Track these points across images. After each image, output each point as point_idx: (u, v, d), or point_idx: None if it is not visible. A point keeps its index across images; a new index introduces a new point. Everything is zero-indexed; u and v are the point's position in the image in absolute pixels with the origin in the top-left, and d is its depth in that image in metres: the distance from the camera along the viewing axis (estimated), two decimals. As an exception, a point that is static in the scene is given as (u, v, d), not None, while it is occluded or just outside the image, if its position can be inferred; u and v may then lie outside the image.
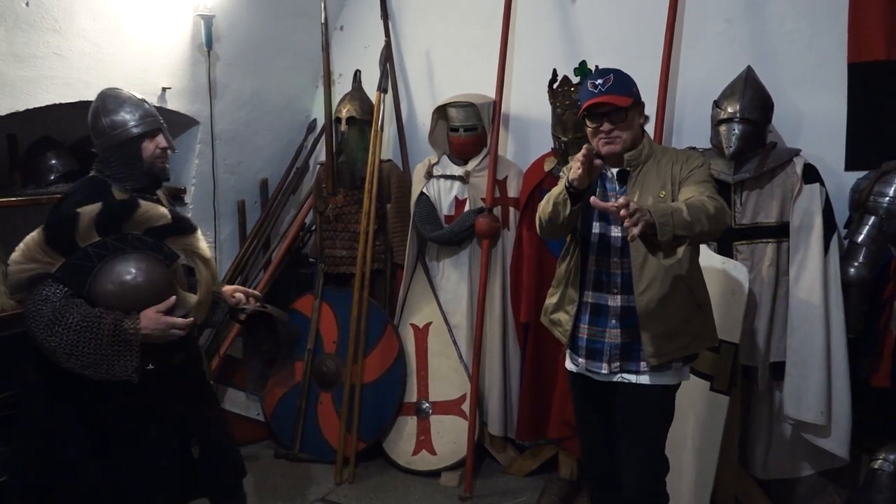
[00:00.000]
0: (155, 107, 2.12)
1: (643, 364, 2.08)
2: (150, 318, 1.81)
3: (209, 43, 3.18)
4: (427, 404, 3.47)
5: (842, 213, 2.81)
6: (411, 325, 3.53)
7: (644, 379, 2.10)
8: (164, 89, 3.08)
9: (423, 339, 3.50)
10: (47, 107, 2.61)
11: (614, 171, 2.15)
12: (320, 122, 3.92)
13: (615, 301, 2.10)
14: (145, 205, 1.90)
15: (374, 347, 3.48)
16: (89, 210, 1.83)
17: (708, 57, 3.08)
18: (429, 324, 3.50)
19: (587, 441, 2.33)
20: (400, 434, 3.48)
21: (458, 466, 3.35)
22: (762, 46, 2.99)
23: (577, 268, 2.14)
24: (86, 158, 3.07)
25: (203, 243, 2.00)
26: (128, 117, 2.02)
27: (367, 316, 3.43)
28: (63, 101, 2.67)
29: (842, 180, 2.86)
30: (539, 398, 3.21)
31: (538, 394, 3.21)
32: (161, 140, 2.07)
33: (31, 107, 2.56)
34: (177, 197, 2.18)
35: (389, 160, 3.72)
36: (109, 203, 1.90)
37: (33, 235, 1.82)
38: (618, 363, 2.11)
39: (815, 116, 2.92)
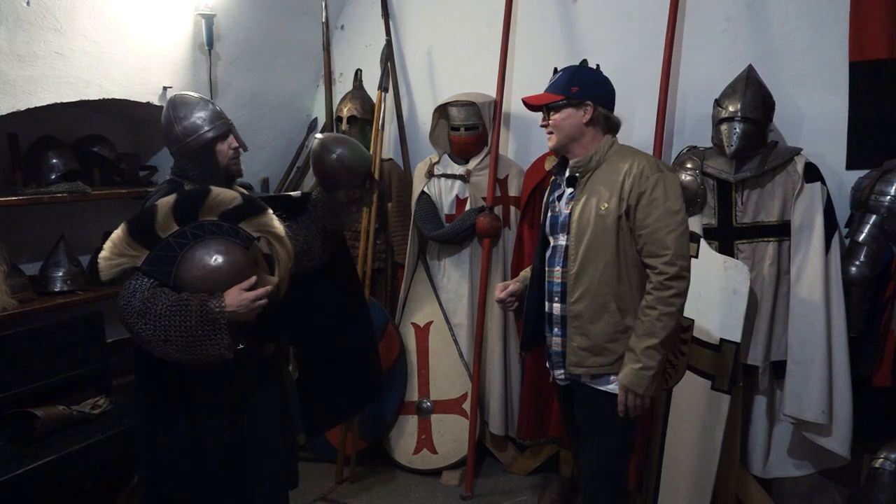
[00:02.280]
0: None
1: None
2: (234, 296, 1.85)
3: (210, 42, 3.18)
4: (428, 403, 3.47)
5: (843, 212, 2.81)
6: (412, 324, 3.53)
7: (588, 382, 2.12)
8: (165, 88, 3.08)
9: (424, 338, 3.50)
10: (48, 106, 2.61)
11: (566, 175, 2.17)
12: (321, 121, 3.92)
13: (556, 309, 2.15)
14: (216, 189, 1.95)
15: (375, 346, 3.48)
16: (165, 201, 1.89)
17: (709, 56, 3.08)
18: (430, 323, 3.50)
19: (571, 439, 2.39)
20: (401, 433, 3.48)
21: (459, 465, 3.36)
22: (763, 45, 2.99)
23: (540, 280, 2.21)
24: (87, 157, 3.09)
25: (276, 223, 2.01)
26: (199, 122, 2.06)
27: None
28: (64, 101, 2.66)
29: (843, 179, 2.86)
30: (540, 397, 3.21)
31: (539, 393, 3.21)
32: (232, 140, 2.13)
33: (32, 106, 2.55)
34: (249, 189, 2.28)
35: (390, 159, 3.72)
36: (183, 192, 1.95)
37: (118, 231, 1.87)
38: (561, 370, 2.17)
39: (816, 115, 2.92)
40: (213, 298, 1.83)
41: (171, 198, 1.90)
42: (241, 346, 1.91)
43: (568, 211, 2.12)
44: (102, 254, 1.85)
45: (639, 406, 2.02)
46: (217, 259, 1.87)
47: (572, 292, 2.08)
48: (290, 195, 2.21)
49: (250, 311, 1.88)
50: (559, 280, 2.13)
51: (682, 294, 2.00)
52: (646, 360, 1.98)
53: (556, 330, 2.16)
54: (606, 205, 2.03)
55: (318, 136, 2.28)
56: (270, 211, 2.01)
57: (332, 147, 2.20)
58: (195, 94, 2.15)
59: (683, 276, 2.00)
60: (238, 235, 1.93)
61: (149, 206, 1.91)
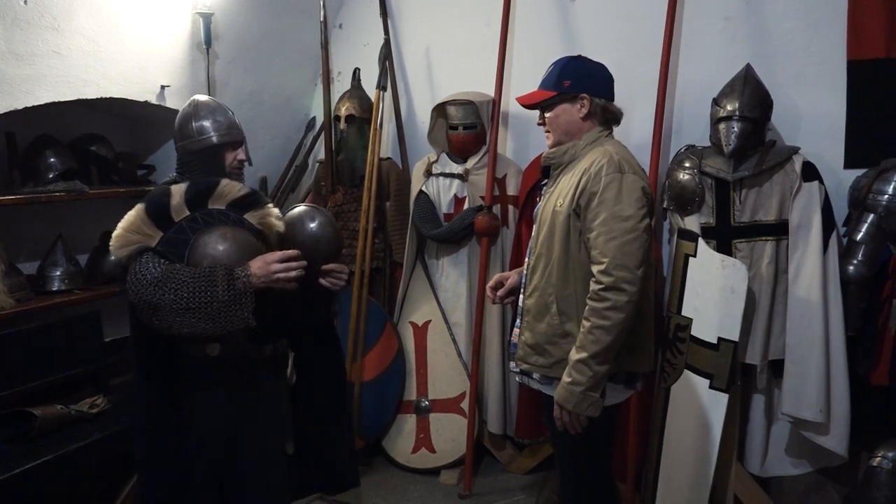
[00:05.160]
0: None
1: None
2: (259, 265, 1.89)
3: (208, 41, 3.17)
4: (426, 402, 3.47)
5: (841, 211, 2.81)
6: (410, 323, 3.53)
7: (539, 386, 2.11)
8: (162, 87, 3.08)
9: (423, 338, 3.50)
10: (46, 105, 2.61)
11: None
12: (319, 120, 3.92)
13: (520, 300, 2.14)
14: (225, 180, 2.03)
15: (373, 346, 3.48)
16: (178, 187, 1.97)
17: (707, 55, 3.08)
18: (428, 322, 3.50)
19: None
20: (399, 432, 3.48)
21: (458, 464, 3.36)
22: (762, 44, 2.99)
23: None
24: (84, 157, 3.08)
25: (275, 217, 2.09)
26: (215, 125, 2.12)
27: (367, 314, 3.44)
28: (62, 100, 2.66)
29: (841, 178, 2.86)
30: (538, 396, 3.20)
31: (537, 392, 3.20)
32: (241, 153, 2.16)
33: (29, 105, 2.55)
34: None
35: (389, 158, 3.72)
36: (195, 180, 2.03)
37: (133, 211, 1.93)
38: (512, 361, 2.16)
39: (814, 114, 2.92)
40: (238, 267, 1.87)
41: (183, 184, 1.98)
42: (254, 323, 1.92)
43: (541, 203, 2.13)
44: (116, 232, 1.91)
45: (573, 423, 1.91)
46: (230, 241, 1.93)
47: (527, 286, 2.08)
48: None
49: (273, 284, 1.89)
50: (526, 272, 2.12)
51: (620, 308, 1.83)
52: (575, 374, 1.87)
53: (517, 321, 2.15)
54: (562, 202, 1.97)
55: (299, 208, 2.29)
56: (271, 204, 2.08)
57: (307, 220, 2.21)
58: (218, 101, 2.21)
59: (622, 288, 1.82)
60: (244, 225, 2.00)
61: (163, 189, 1.97)
